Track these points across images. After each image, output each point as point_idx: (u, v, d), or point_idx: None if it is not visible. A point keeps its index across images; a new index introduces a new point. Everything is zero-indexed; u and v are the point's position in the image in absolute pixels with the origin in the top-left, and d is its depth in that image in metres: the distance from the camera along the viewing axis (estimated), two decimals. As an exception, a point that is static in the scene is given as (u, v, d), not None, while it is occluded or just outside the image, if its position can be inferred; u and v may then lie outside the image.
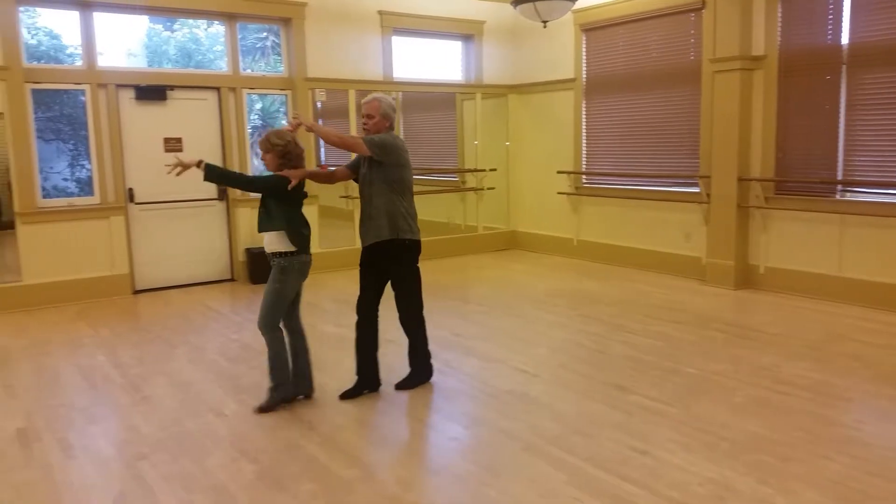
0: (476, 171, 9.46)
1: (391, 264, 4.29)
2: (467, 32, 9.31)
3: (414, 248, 4.32)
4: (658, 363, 4.83)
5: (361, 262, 4.39)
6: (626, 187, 8.34)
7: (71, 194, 7.67)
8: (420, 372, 4.52)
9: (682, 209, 7.67)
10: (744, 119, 6.91)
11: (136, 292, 7.30)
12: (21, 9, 6.82)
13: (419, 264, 4.43)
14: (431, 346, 5.23)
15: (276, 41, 9.28)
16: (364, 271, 4.39)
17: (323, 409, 4.19)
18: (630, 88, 8.18)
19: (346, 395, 4.33)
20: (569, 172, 8.83)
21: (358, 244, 8.34)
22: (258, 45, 13.53)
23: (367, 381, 4.39)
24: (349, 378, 4.74)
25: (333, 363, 5.10)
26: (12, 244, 6.95)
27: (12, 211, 6.84)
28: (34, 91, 6.82)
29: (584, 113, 8.72)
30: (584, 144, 8.77)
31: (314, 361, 4.64)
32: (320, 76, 8.18)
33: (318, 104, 9.00)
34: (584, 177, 8.83)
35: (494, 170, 9.46)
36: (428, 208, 10.16)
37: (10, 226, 6.98)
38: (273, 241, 4.09)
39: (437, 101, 10.28)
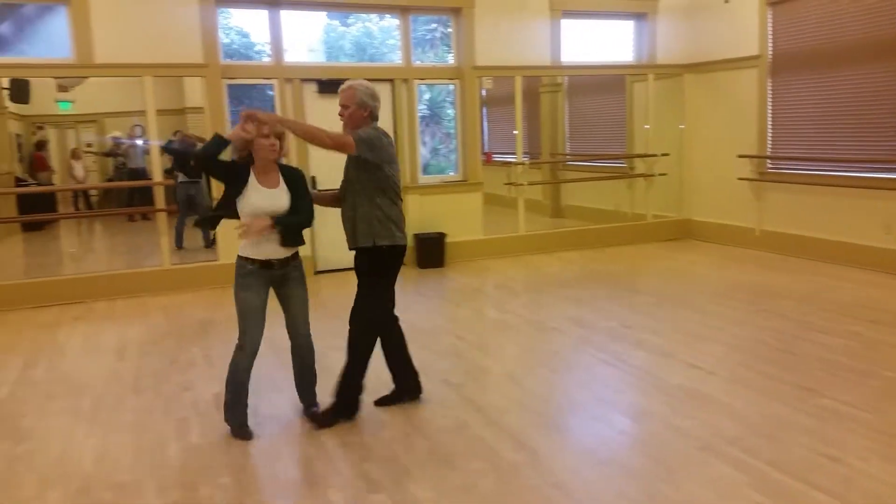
0: (647, 156, 9.10)
1: (362, 269, 3.83)
2: (640, 11, 8.95)
3: (392, 254, 3.78)
4: (851, 365, 4.40)
5: (354, 267, 3.92)
6: (817, 173, 7.63)
7: (260, 182, 8.29)
8: (338, 407, 3.80)
9: (883, 197, 6.90)
10: (964, 94, 6.09)
11: (317, 273, 7.78)
12: (219, 10, 7.46)
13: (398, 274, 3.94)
14: (599, 337, 5.14)
15: (445, 32, 9.47)
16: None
17: (487, 392, 4.25)
18: (824, 65, 7.47)
19: (381, 402, 4.02)
20: (752, 157, 8.22)
21: (522, 231, 8.50)
22: (427, 37, 13.91)
23: (404, 390, 4.06)
24: (512, 361, 4.78)
25: (496, 347, 5.16)
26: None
27: (211, 198, 7.55)
28: (229, 86, 7.44)
29: (769, 92, 8.09)
30: (770, 126, 8.13)
31: (480, 344, 4.71)
32: (488, 64, 8.24)
33: (483, 92, 9.08)
34: (768, 161, 8.20)
35: (667, 154, 9.04)
36: (593, 195, 9.97)
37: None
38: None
39: (605, 83, 10.03)
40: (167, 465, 3.40)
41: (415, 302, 6.54)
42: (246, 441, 3.63)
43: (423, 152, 8.45)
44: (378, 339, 3.95)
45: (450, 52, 8.66)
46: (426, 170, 8.77)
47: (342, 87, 3.79)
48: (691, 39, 8.99)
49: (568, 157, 10.98)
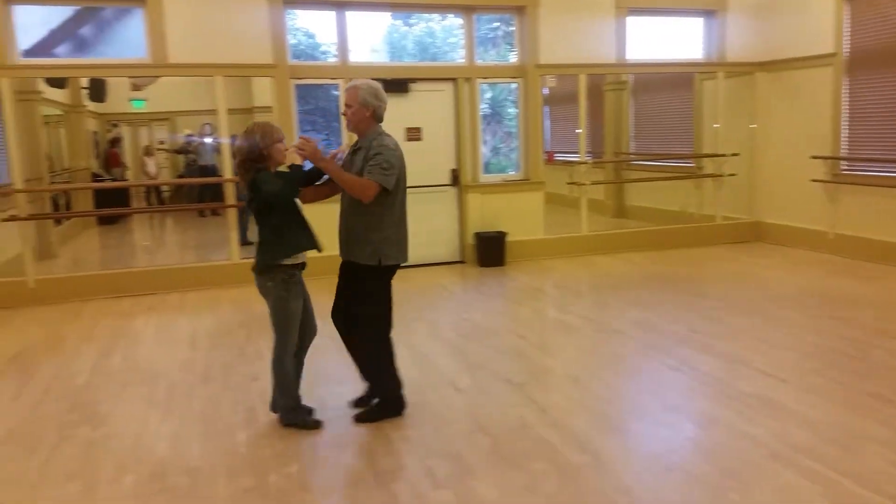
0: (715, 155, 8.87)
1: (362, 283, 3.79)
2: (709, 7, 8.74)
3: (394, 268, 3.82)
4: (933, 376, 4.21)
5: (340, 268, 3.90)
6: (895, 175, 7.32)
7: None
8: (384, 405, 3.86)
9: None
10: None
11: (377, 270, 7.86)
12: (287, 12, 7.61)
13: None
14: (665, 341, 5.06)
15: (507, 30, 9.43)
16: (340, 280, 3.92)
17: (550, 392, 4.22)
18: (906, 62, 7.16)
19: (357, 405, 3.97)
20: (825, 158, 7.94)
21: (585, 231, 8.40)
22: (489, 36, 13.92)
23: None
24: (574, 363, 4.73)
25: (558, 348, 5.12)
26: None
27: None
28: (297, 86, 7.58)
29: (845, 91, 7.79)
30: (846, 126, 7.83)
31: (542, 344, 4.63)
32: (552, 62, 8.18)
33: (546, 90, 9.02)
34: (843, 163, 7.90)
35: (737, 154, 8.79)
36: (658, 196, 9.79)
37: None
38: None
39: (672, 81, 9.84)
40: (237, 453, 3.50)
41: (475, 300, 6.55)
42: (318, 430, 3.72)
43: (483, 151, 8.43)
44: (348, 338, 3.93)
45: (512, 50, 8.63)
46: (487, 168, 8.76)
47: (346, 86, 3.77)
48: (763, 36, 8.73)
49: (632, 156, 10.81)
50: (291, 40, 7.98)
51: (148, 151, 13.05)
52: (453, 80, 8.05)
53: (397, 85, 7.80)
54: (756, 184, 9.01)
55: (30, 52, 7.14)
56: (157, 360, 5.08)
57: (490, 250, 7.97)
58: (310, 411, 3.84)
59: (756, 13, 8.75)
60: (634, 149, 10.80)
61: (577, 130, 8.61)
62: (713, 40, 8.86)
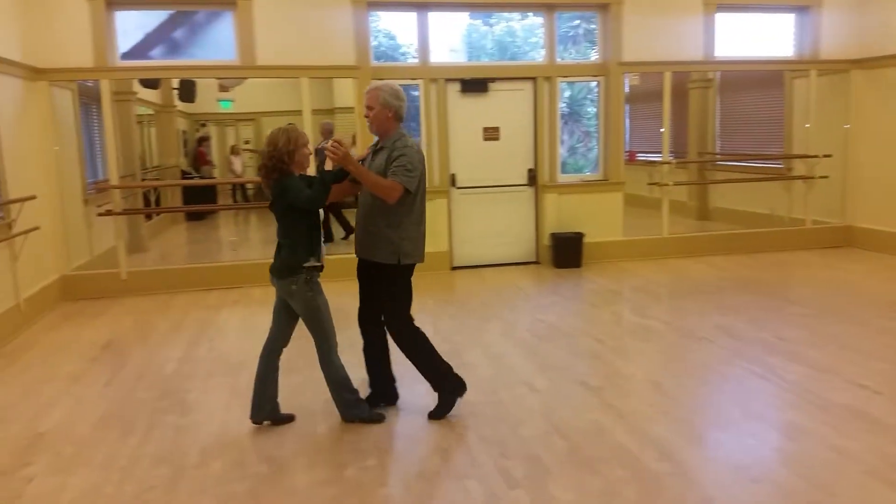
0: (807, 157, 8.48)
1: (383, 281, 3.80)
2: (802, 3, 8.36)
3: (412, 266, 3.82)
4: None
5: (357, 270, 3.95)
6: None
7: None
8: (444, 395, 3.86)
9: None
10: None
11: (454, 268, 7.89)
12: (371, 14, 7.72)
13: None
14: (752, 349, 4.90)
15: (589, 28, 9.29)
16: (360, 282, 3.96)
17: (629, 398, 4.13)
18: None
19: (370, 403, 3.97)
20: (927, 160, 7.49)
21: (666, 233, 8.19)
22: (570, 34, 13.75)
23: (380, 395, 4.01)
24: (655, 368, 4.62)
25: (637, 353, 5.00)
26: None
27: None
28: (378, 86, 7.68)
29: (952, 89, 7.33)
30: (951, 126, 7.36)
31: (620, 348, 4.54)
32: (635, 60, 8.00)
33: (627, 88, 8.83)
34: (947, 165, 7.43)
35: (829, 156, 8.38)
36: (744, 197, 9.45)
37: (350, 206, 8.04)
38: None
39: (761, 80, 9.49)
40: (317, 444, 3.58)
41: (552, 302, 6.48)
42: (382, 423, 3.79)
43: (560, 151, 8.32)
44: (362, 343, 3.99)
45: (593, 48, 8.49)
46: (563, 168, 8.65)
47: (367, 88, 3.78)
48: (860, 32, 8.29)
49: (718, 156, 10.47)
50: (373, 42, 8.10)
51: (234, 150, 13.51)
52: (532, 79, 7.98)
53: (476, 85, 7.80)
54: (849, 187, 8.57)
55: (127, 55, 7.51)
56: (241, 350, 5.23)
57: (566, 251, 7.87)
58: (370, 406, 3.90)
59: (852, 8, 8.31)
60: (720, 149, 10.45)
61: (660, 129, 8.40)
62: (806, 37, 8.48)
